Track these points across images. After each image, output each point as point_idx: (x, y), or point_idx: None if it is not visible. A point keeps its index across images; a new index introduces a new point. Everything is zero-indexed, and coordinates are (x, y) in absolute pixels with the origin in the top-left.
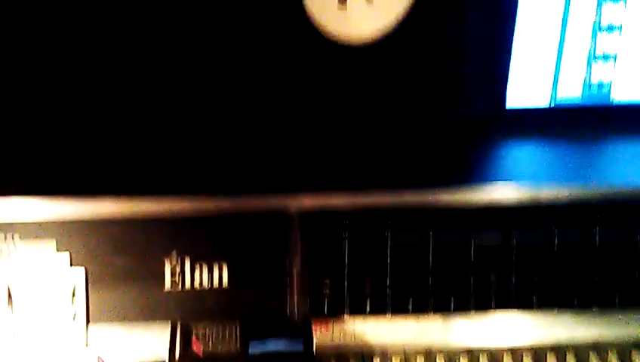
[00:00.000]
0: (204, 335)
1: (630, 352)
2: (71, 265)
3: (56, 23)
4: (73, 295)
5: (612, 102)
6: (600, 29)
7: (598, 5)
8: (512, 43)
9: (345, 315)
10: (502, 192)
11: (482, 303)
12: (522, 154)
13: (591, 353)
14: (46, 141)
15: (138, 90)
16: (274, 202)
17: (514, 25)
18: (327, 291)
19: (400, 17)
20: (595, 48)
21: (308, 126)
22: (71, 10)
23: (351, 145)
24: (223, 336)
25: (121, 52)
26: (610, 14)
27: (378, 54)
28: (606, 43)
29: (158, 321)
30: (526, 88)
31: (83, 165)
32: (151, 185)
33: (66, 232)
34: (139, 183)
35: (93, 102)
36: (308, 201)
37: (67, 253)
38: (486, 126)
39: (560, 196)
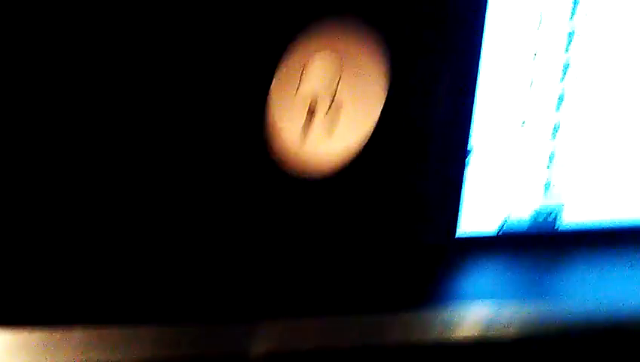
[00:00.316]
0: None
1: None
2: None
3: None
4: None
5: (561, 227)
6: (551, 158)
7: (552, 135)
8: (463, 174)
9: None
10: (454, 322)
11: None
12: (472, 282)
13: None
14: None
15: (96, 221)
16: (231, 342)
17: (466, 160)
18: None
19: (358, 150)
20: (546, 176)
21: (261, 259)
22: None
23: (303, 278)
24: None
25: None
26: (560, 145)
27: (333, 186)
28: (557, 175)
29: None
30: (476, 215)
31: (49, 295)
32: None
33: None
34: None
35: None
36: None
37: None
38: (437, 254)
39: (511, 326)
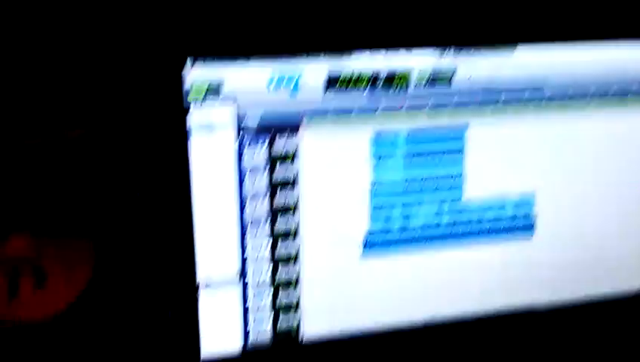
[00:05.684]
0: None
1: None
2: None
3: None
4: None
5: (302, 342)
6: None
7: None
8: (197, 303)
9: None
10: None
11: None
12: None
13: None
14: None
15: None
16: None
17: (196, 291)
18: None
19: (72, 299)
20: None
21: None
22: None
23: None
24: None
25: None
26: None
27: (52, 331)
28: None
29: None
30: (217, 335)
31: None
32: None
33: None
34: None
35: None
36: None
37: None
38: None
39: None
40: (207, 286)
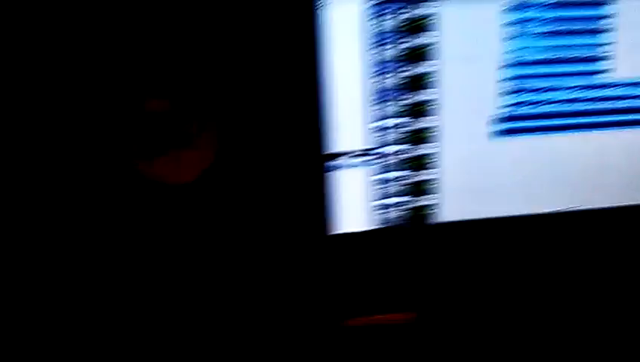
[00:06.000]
0: None
1: None
2: None
3: None
4: None
5: (437, 222)
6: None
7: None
8: (330, 177)
9: None
10: None
11: None
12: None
13: None
14: None
15: None
16: None
17: (329, 165)
18: None
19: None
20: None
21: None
22: None
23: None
24: None
25: None
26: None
27: (195, 194)
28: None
29: None
30: (347, 210)
31: None
32: None
33: None
34: None
35: None
36: None
37: None
38: (309, 254)
39: None
40: (337, 161)
